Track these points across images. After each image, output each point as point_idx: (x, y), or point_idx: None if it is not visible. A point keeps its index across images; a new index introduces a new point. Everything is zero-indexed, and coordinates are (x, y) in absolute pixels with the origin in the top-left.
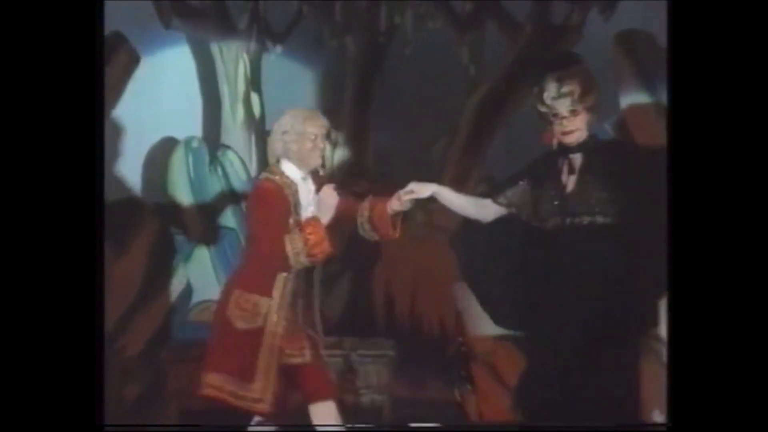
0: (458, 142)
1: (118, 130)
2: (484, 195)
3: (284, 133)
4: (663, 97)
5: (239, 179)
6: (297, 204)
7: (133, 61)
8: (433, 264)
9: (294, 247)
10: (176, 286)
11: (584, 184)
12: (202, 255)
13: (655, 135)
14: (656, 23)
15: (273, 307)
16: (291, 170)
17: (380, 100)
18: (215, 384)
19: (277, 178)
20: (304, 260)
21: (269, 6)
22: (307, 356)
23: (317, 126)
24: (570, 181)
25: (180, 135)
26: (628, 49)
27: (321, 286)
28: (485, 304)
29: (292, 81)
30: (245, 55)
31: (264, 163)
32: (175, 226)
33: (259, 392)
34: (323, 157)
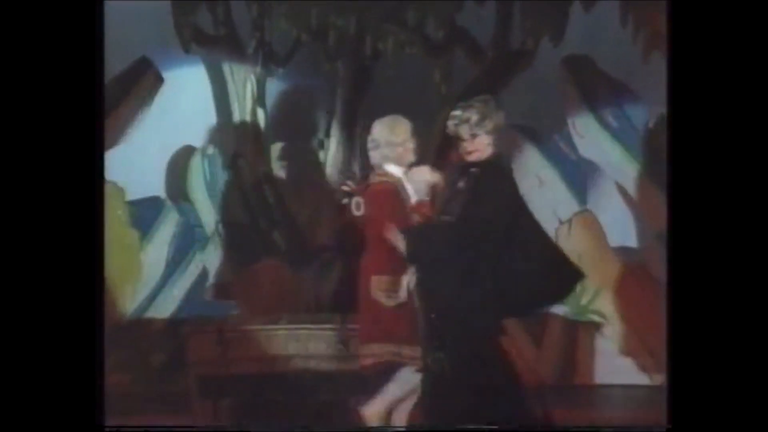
0: (431, 150)
1: (145, 139)
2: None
3: (375, 142)
4: (604, 113)
5: (247, 182)
6: (405, 195)
7: (158, 80)
8: None
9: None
10: (194, 270)
11: (465, 193)
12: (215, 245)
13: (598, 146)
14: (602, 48)
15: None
16: (393, 169)
17: (366, 113)
18: (377, 352)
19: (385, 178)
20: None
21: (273, 34)
22: None
23: (402, 131)
24: (459, 187)
25: (197, 143)
26: (573, 71)
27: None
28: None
29: (293, 97)
30: (252, 76)
31: (269, 167)
32: (192, 220)
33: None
34: (414, 151)
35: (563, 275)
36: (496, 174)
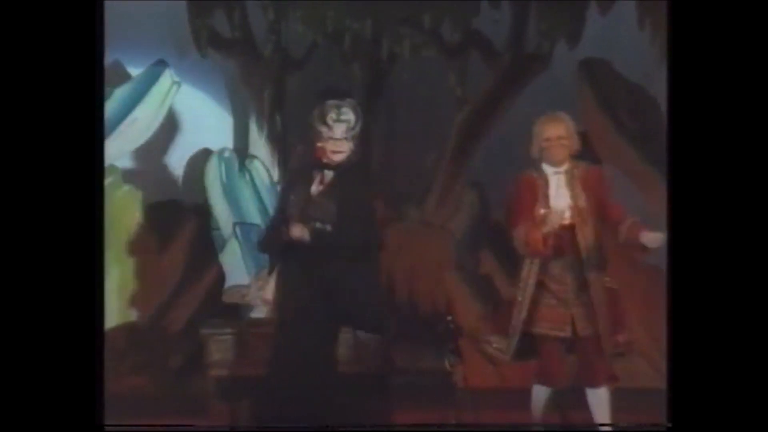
0: (447, 152)
1: (162, 143)
2: None
3: (536, 136)
4: (620, 116)
5: (264, 184)
6: (546, 196)
7: (175, 84)
8: (428, 254)
9: (518, 236)
10: (211, 273)
11: (323, 197)
12: (233, 247)
13: (614, 150)
14: (619, 51)
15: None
16: (545, 167)
17: (382, 116)
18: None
19: (533, 172)
20: (524, 251)
21: (289, 37)
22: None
23: (559, 128)
24: (316, 192)
25: (214, 147)
26: (589, 75)
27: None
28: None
29: (310, 100)
30: (269, 79)
31: (285, 170)
32: (210, 222)
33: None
34: (569, 154)
35: None
36: (358, 178)
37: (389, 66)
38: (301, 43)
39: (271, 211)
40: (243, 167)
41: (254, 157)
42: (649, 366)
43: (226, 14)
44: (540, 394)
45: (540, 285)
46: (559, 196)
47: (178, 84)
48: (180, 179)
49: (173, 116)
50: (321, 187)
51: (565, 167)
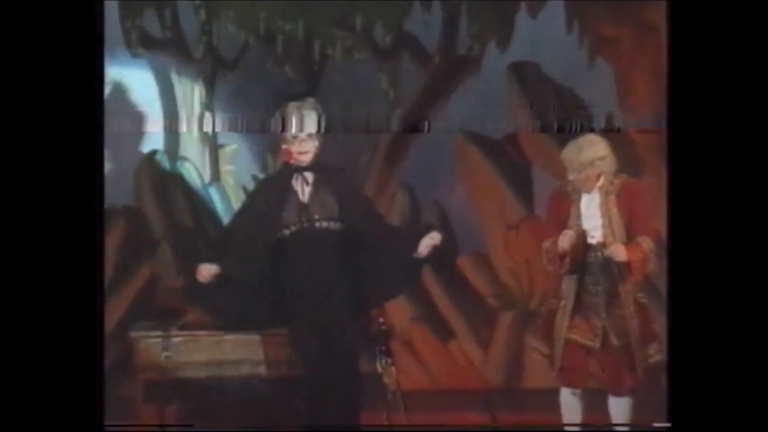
0: (380, 154)
1: None
2: None
3: (567, 162)
4: (548, 117)
5: (195, 185)
6: (578, 213)
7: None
8: None
9: (542, 249)
10: (143, 275)
11: (317, 196)
12: (165, 249)
13: (543, 151)
14: (547, 53)
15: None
16: (578, 185)
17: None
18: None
19: (568, 187)
20: (544, 264)
21: (221, 38)
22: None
23: (590, 154)
24: (305, 192)
25: (144, 148)
26: (519, 76)
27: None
28: (241, 308)
29: (242, 101)
30: (200, 80)
31: (216, 171)
32: (140, 225)
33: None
34: (602, 176)
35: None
36: (338, 175)
37: (321, 67)
38: (233, 44)
39: (201, 212)
40: (174, 169)
41: (185, 158)
42: None
43: (157, 14)
44: (567, 397)
45: (577, 297)
46: (591, 215)
47: (107, 84)
48: (110, 181)
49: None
50: (310, 188)
51: (599, 184)
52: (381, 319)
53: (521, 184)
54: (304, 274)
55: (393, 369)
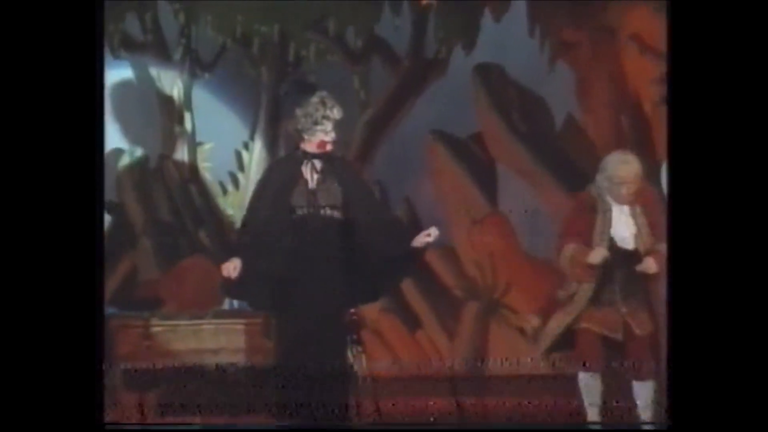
0: (352, 151)
1: None
2: None
3: (604, 172)
4: (512, 118)
5: (174, 181)
6: (607, 224)
7: None
8: None
9: (565, 255)
10: (124, 267)
11: (324, 183)
12: (145, 243)
13: (507, 150)
14: (511, 56)
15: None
16: (609, 198)
17: (288, 117)
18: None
19: (594, 191)
20: (566, 270)
21: (199, 40)
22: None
23: (627, 171)
24: (314, 180)
25: (125, 146)
26: (484, 79)
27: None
28: (244, 290)
29: (219, 102)
30: (179, 81)
31: (194, 169)
32: (122, 219)
33: None
34: (632, 193)
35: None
36: (347, 165)
37: (296, 69)
38: (211, 47)
39: (180, 207)
40: (154, 166)
41: (165, 156)
42: None
43: (139, 18)
44: (586, 380)
45: (595, 293)
46: (620, 223)
47: None
48: None
49: None
50: (318, 176)
51: (629, 196)
52: (352, 310)
53: (486, 181)
54: (304, 259)
55: (363, 357)
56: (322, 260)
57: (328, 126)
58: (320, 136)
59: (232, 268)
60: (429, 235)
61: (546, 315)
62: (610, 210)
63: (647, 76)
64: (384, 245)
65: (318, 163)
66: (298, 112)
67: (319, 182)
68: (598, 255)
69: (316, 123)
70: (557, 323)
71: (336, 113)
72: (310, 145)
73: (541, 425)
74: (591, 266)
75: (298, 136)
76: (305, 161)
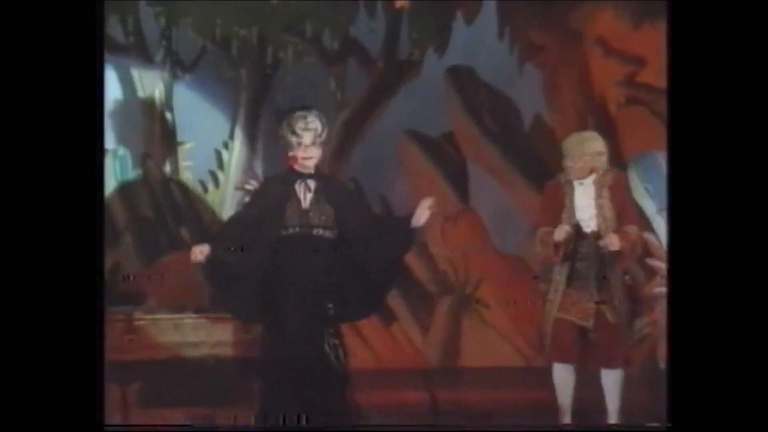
0: (327, 150)
1: None
2: None
3: (566, 152)
4: (483, 118)
5: (155, 179)
6: (573, 205)
7: None
8: None
9: (536, 239)
10: (106, 264)
11: (317, 203)
12: (126, 239)
13: (479, 149)
14: (481, 59)
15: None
16: (573, 179)
17: (267, 117)
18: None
19: (561, 179)
20: (538, 252)
21: (180, 42)
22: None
23: (591, 147)
24: (307, 199)
25: (108, 145)
26: (455, 80)
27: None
28: (230, 303)
29: (199, 102)
30: (161, 82)
31: (175, 168)
32: (105, 216)
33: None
34: (595, 170)
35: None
36: (340, 185)
37: (274, 71)
38: (191, 49)
39: (162, 205)
40: (136, 164)
41: (147, 156)
42: None
43: (121, 21)
44: (560, 371)
45: (569, 281)
46: (584, 206)
47: None
48: None
49: None
50: (312, 195)
51: (593, 178)
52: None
53: (458, 179)
54: (294, 276)
55: (340, 350)
56: (312, 278)
57: (307, 139)
58: (302, 152)
59: (198, 251)
60: (428, 203)
61: (532, 313)
62: (574, 192)
63: (612, 78)
64: (376, 262)
65: (312, 183)
66: (283, 123)
67: (313, 202)
68: (561, 232)
69: (294, 133)
70: (547, 318)
71: (318, 130)
72: (291, 161)
73: (542, 425)
74: (557, 245)
75: (285, 153)
76: (299, 180)
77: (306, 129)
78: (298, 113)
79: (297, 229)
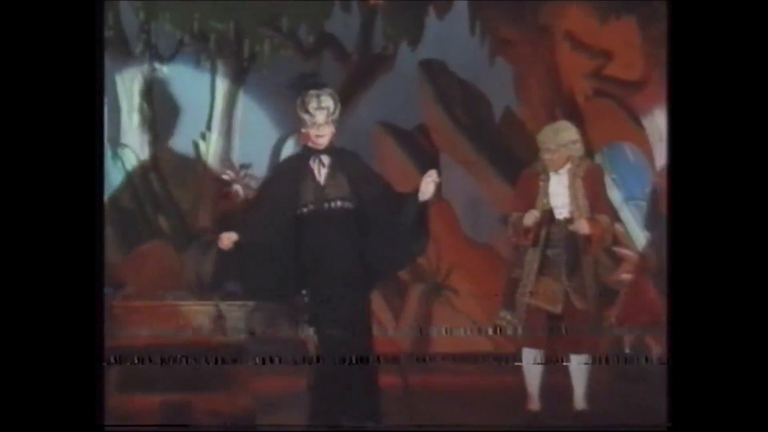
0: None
1: None
2: None
3: (543, 144)
4: (455, 111)
5: (135, 170)
6: (547, 192)
7: None
8: None
9: (509, 224)
10: None
11: (333, 178)
12: (107, 229)
13: (451, 141)
14: (453, 52)
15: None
16: (548, 169)
17: (244, 108)
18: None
19: (538, 166)
20: (510, 237)
21: (158, 36)
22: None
23: (566, 137)
24: (322, 175)
25: None
26: (428, 73)
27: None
28: (249, 278)
29: (177, 94)
30: (139, 74)
31: (154, 158)
32: None
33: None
34: (570, 159)
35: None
36: (353, 157)
37: (250, 64)
38: (169, 42)
39: (141, 195)
40: (115, 155)
41: (126, 145)
42: None
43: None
44: (529, 356)
45: (540, 267)
46: (558, 193)
47: None
48: None
49: None
50: (326, 170)
51: (567, 167)
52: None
53: (430, 170)
54: (318, 250)
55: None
56: (335, 250)
57: (320, 118)
58: (315, 130)
59: (226, 238)
60: (431, 176)
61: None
62: (548, 180)
63: (580, 71)
64: (394, 229)
65: (326, 158)
66: (297, 102)
67: (328, 177)
68: (530, 217)
69: (307, 112)
70: (518, 304)
71: (330, 108)
72: (305, 138)
73: (542, 425)
74: (527, 229)
75: (303, 126)
76: (313, 157)
77: (319, 108)
78: (312, 92)
79: (313, 205)
